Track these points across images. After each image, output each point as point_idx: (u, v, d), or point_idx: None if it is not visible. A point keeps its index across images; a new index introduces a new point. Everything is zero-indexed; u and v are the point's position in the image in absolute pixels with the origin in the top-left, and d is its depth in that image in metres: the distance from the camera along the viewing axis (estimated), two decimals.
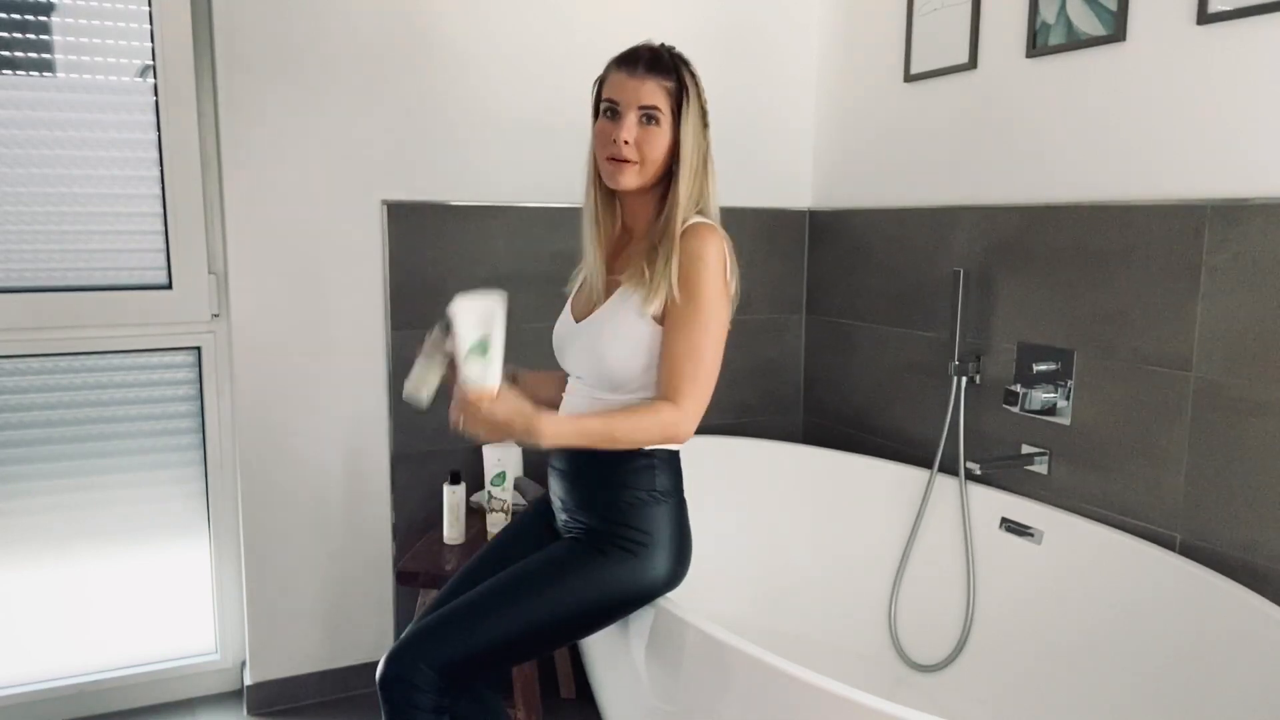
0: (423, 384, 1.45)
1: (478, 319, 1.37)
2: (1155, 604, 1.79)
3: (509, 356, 1.45)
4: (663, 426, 1.50)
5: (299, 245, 2.24)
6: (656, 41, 1.59)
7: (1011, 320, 2.18)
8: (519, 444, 1.41)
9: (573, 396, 1.66)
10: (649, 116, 1.52)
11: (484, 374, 1.38)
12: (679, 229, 1.53)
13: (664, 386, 1.52)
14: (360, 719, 2.32)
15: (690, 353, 1.49)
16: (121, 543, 2.28)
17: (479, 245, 2.41)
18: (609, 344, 1.54)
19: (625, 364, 1.54)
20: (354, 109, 2.25)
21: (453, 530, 2.19)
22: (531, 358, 2.49)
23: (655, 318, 1.53)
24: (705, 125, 1.57)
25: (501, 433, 1.41)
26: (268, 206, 2.20)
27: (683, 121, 1.53)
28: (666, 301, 1.51)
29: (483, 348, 1.36)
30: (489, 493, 2.20)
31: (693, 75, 1.56)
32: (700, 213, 1.58)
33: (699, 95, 1.56)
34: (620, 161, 1.53)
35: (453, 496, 2.17)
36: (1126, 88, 1.91)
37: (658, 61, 1.53)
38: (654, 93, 1.51)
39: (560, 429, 1.46)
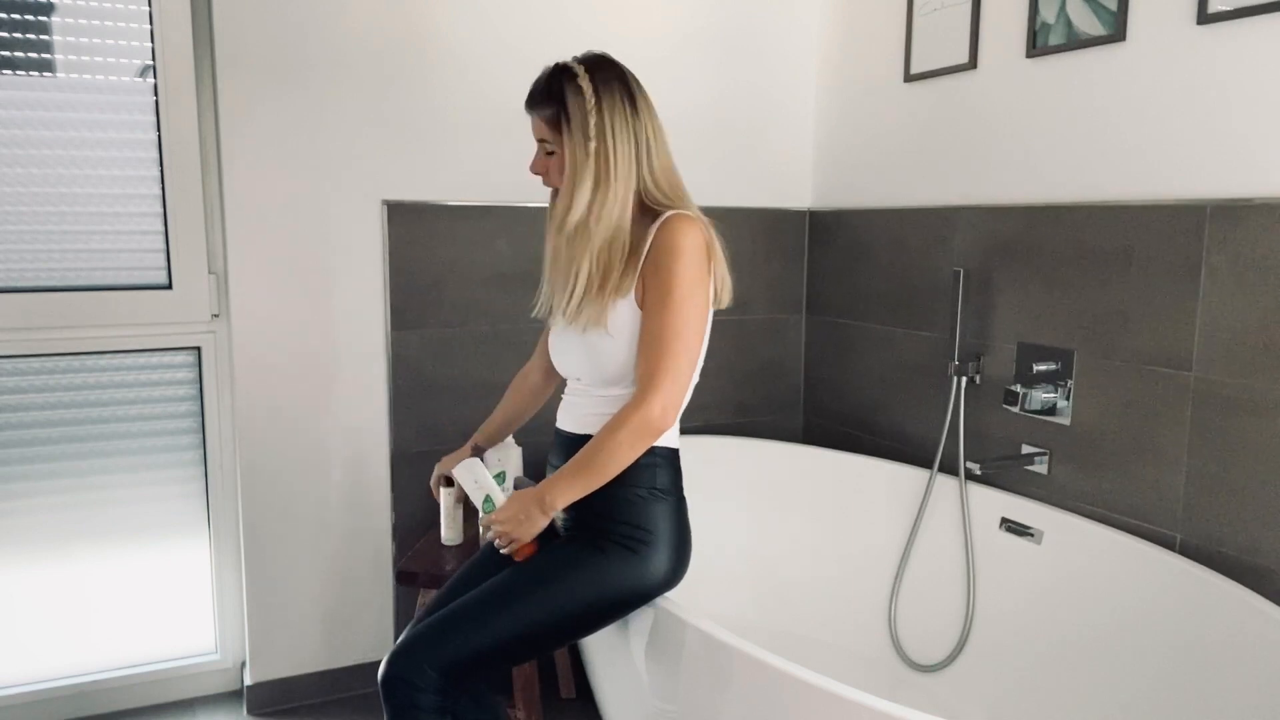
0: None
1: (475, 484, 1.67)
2: (1155, 604, 1.79)
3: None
4: (631, 431, 1.49)
5: (299, 245, 2.24)
6: (558, 60, 1.61)
7: (1011, 320, 2.18)
8: (544, 525, 1.58)
9: (572, 397, 1.66)
10: (546, 149, 1.60)
11: (497, 507, 1.64)
12: (595, 243, 1.54)
13: (637, 378, 1.53)
14: (360, 719, 2.32)
15: (657, 342, 1.49)
16: (121, 543, 2.28)
17: (479, 245, 2.41)
18: (598, 339, 1.55)
19: (617, 359, 1.55)
20: (354, 109, 2.25)
21: (450, 531, 2.19)
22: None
23: (638, 302, 1.53)
24: (588, 139, 1.53)
25: (527, 524, 1.55)
26: (268, 206, 2.20)
27: (565, 143, 1.56)
28: (637, 292, 1.53)
29: (489, 501, 1.65)
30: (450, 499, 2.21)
31: (580, 88, 1.54)
32: (653, 206, 1.57)
33: (582, 110, 1.54)
34: (552, 190, 1.63)
35: (449, 498, 2.17)
36: (1126, 88, 1.91)
37: (536, 96, 1.59)
38: (539, 127, 1.59)
39: (558, 486, 1.54)
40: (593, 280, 1.55)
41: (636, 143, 1.56)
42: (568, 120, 1.55)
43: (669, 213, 1.54)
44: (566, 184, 1.56)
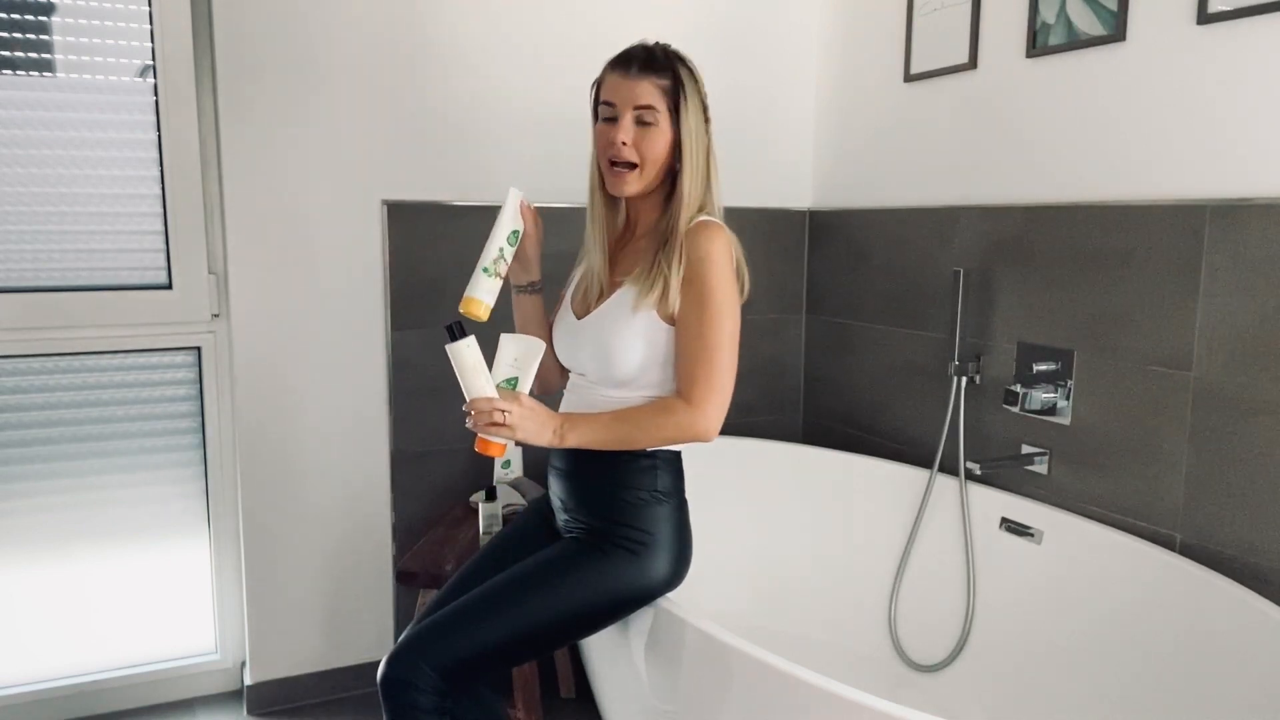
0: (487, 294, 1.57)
1: (514, 359, 1.50)
2: (1155, 604, 1.79)
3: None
4: (679, 427, 1.50)
5: (299, 245, 2.24)
6: (653, 40, 1.59)
7: (1011, 320, 2.18)
8: (544, 443, 1.50)
9: (575, 393, 1.66)
10: (644, 119, 1.52)
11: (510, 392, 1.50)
12: (683, 227, 1.52)
13: (680, 387, 1.52)
14: (360, 719, 2.32)
15: (703, 352, 1.49)
16: (121, 543, 2.28)
17: (479, 245, 2.40)
18: (614, 341, 1.54)
19: (631, 361, 1.54)
20: (354, 109, 2.25)
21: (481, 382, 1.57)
22: None
23: (663, 317, 1.53)
24: (707, 121, 1.56)
25: (532, 430, 1.47)
26: (268, 206, 2.20)
27: (682, 119, 1.52)
28: (674, 300, 1.51)
29: (511, 384, 1.50)
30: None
31: (690, 71, 1.55)
32: (703, 210, 1.57)
33: (698, 91, 1.55)
34: (620, 167, 1.53)
35: (471, 353, 1.55)
36: (1126, 88, 1.91)
37: (651, 60, 1.52)
38: (649, 92, 1.51)
39: (581, 429, 1.51)
40: (658, 265, 1.53)
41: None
42: (685, 97, 1.51)
43: (700, 217, 1.53)
44: (653, 158, 1.52)
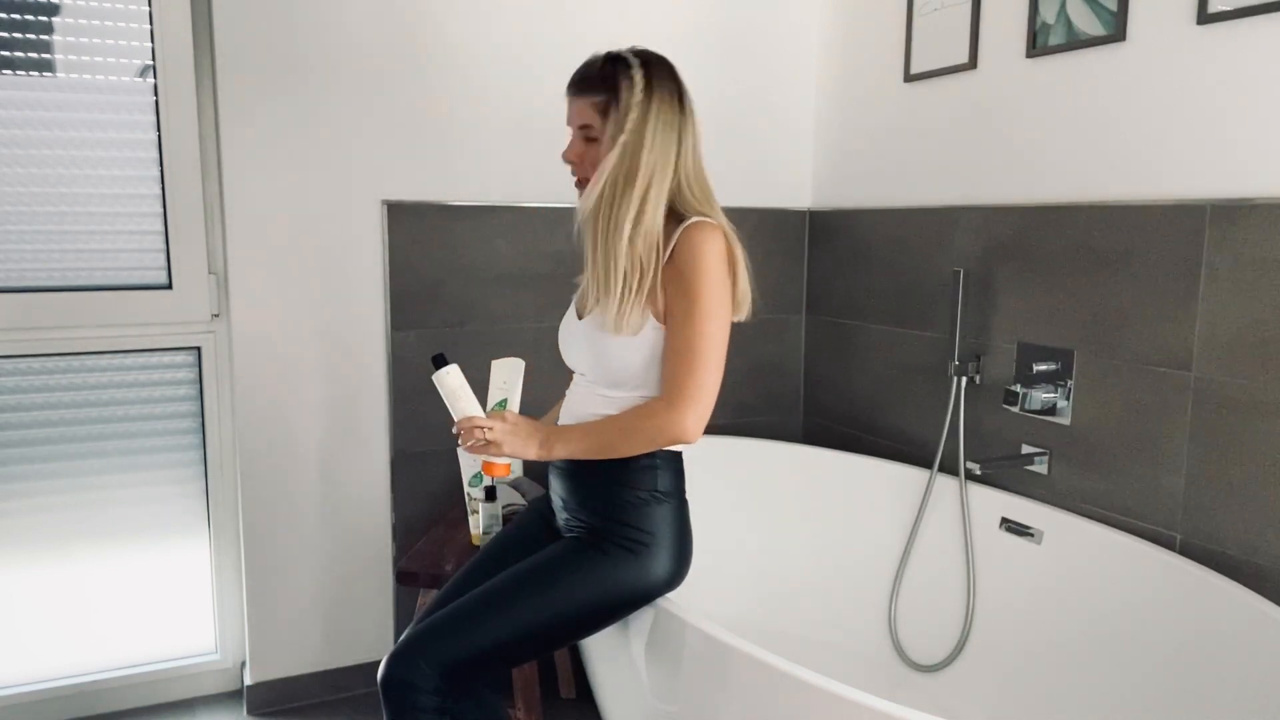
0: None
1: (503, 381, 1.62)
2: (1155, 604, 1.79)
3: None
4: (658, 430, 1.50)
5: (299, 245, 2.24)
6: (618, 47, 1.58)
7: (1011, 320, 2.18)
8: (530, 457, 1.56)
9: (576, 392, 1.66)
10: (588, 135, 1.56)
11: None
12: (625, 239, 1.50)
13: (663, 387, 1.52)
14: (360, 719, 2.32)
15: (686, 353, 1.49)
16: (121, 543, 2.28)
17: (479, 245, 2.41)
18: (608, 340, 1.54)
19: (624, 361, 1.54)
20: (354, 109, 2.25)
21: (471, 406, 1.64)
22: (534, 357, 2.49)
23: (658, 317, 1.53)
24: (621, 131, 1.50)
25: (519, 444, 1.53)
26: (268, 206, 2.20)
27: (609, 130, 1.52)
28: (663, 301, 1.51)
29: (502, 404, 1.60)
30: (468, 494, 2.17)
31: (633, 81, 1.51)
32: (682, 210, 1.56)
33: (630, 101, 1.50)
34: (578, 181, 1.60)
35: (455, 376, 1.62)
36: (1126, 88, 1.91)
37: (585, 79, 1.56)
38: (584, 111, 1.55)
39: (565, 439, 1.55)
40: (630, 281, 1.50)
41: (680, 143, 1.54)
42: (617, 107, 1.52)
43: (692, 219, 1.52)
44: (603, 173, 1.52)
